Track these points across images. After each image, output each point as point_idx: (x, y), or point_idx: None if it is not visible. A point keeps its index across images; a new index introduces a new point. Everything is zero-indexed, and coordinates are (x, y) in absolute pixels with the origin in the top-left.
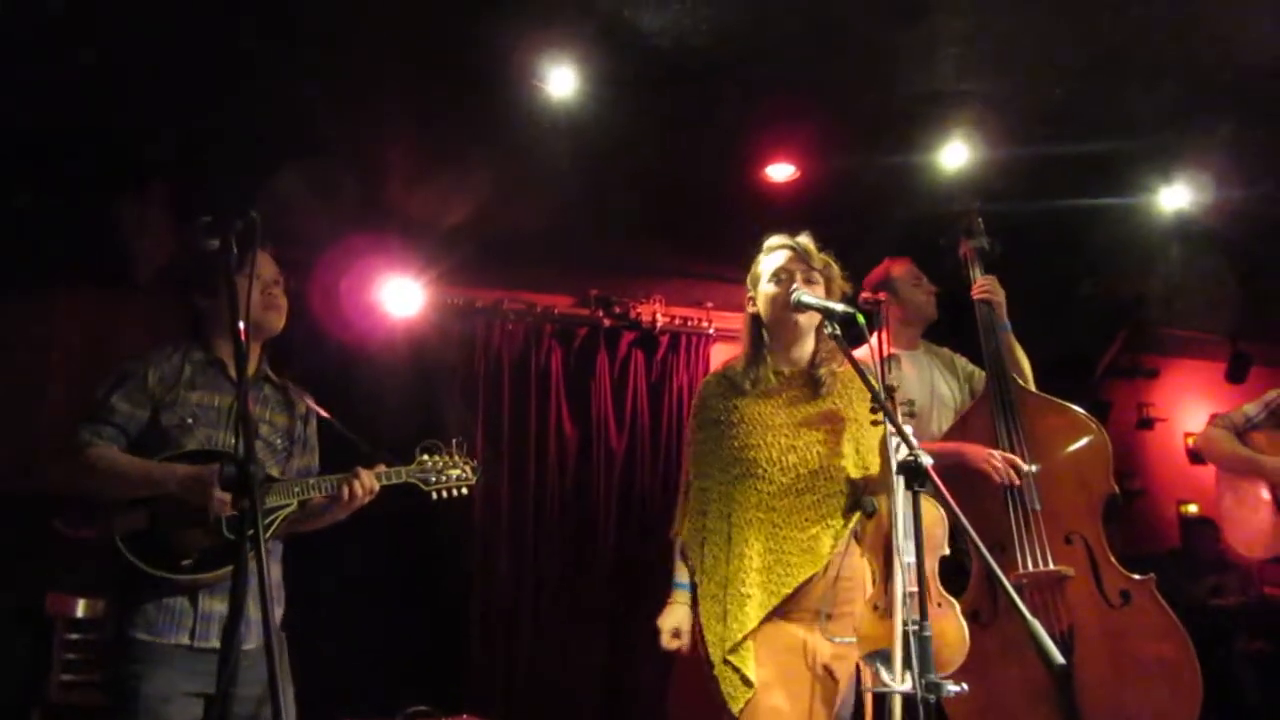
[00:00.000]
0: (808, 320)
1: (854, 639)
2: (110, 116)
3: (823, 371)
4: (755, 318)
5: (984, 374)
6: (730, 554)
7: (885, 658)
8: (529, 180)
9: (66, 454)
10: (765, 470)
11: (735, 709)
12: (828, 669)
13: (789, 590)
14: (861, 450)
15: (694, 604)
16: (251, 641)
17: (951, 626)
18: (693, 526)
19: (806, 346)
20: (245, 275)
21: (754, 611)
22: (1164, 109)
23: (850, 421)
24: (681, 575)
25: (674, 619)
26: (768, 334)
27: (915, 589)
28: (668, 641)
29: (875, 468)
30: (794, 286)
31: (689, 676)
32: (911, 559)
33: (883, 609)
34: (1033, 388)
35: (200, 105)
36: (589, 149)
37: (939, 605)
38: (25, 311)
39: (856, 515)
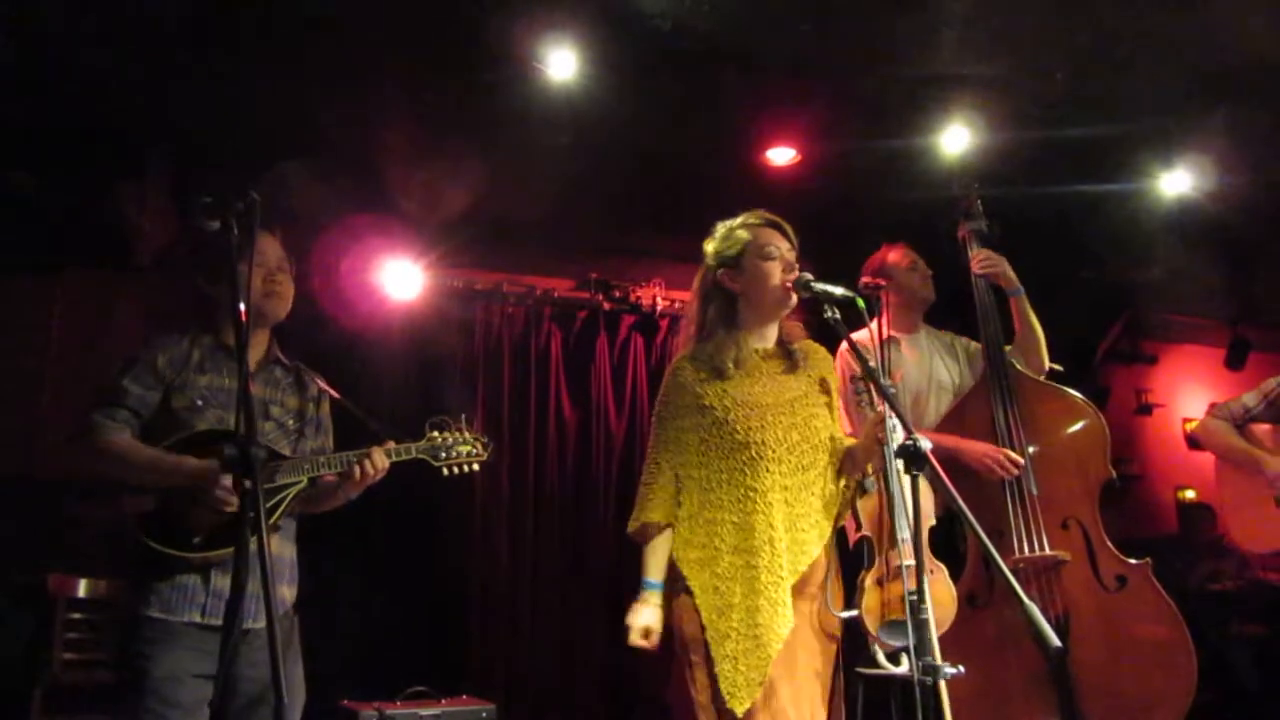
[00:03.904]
0: (793, 302)
1: (857, 612)
2: (111, 98)
3: (795, 346)
4: (730, 294)
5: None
6: (755, 541)
7: (896, 628)
8: (529, 163)
9: (79, 438)
10: (775, 451)
11: (740, 709)
12: (832, 637)
13: (804, 568)
14: (834, 421)
15: (674, 596)
16: (259, 620)
17: (942, 589)
18: (686, 517)
19: (778, 326)
20: (247, 261)
21: (789, 597)
22: (1165, 94)
23: (825, 393)
24: (653, 573)
25: (645, 618)
26: (746, 311)
27: (912, 562)
28: (636, 639)
29: (845, 439)
30: (799, 271)
31: None
32: (907, 535)
33: (886, 581)
34: (1046, 357)
35: (200, 87)
36: (589, 131)
37: (931, 571)
38: (25, 292)
39: (843, 486)
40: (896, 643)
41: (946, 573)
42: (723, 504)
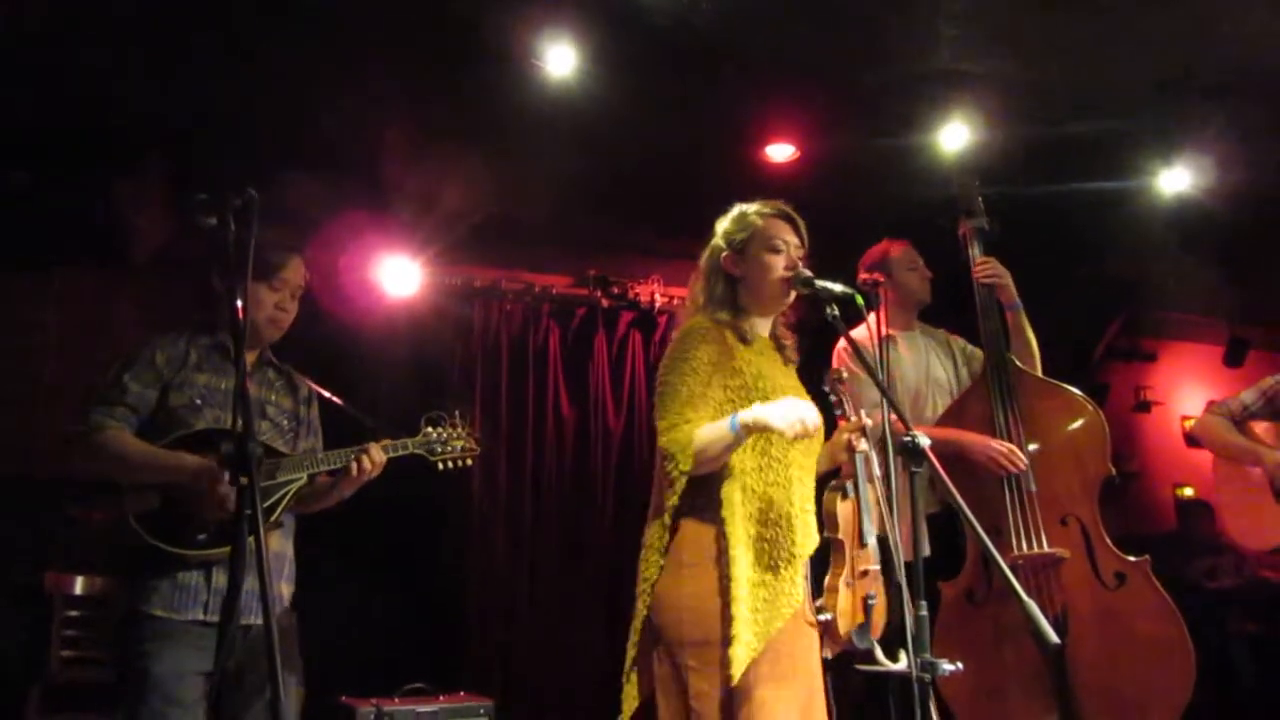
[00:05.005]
0: (792, 296)
1: (831, 616)
2: (107, 96)
3: (787, 340)
4: (732, 278)
5: (982, 353)
6: (774, 514)
7: (862, 630)
8: (527, 159)
9: (79, 437)
10: None
11: (737, 675)
12: (811, 622)
13: (811, 551)
14: None
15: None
16: (259, 616)
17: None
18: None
19: (778, 317)
20: (265, 283)
21: (798, 580)
22: (1164, 91)
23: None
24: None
25: (794, 402)
26: (745, 298)
27: (875, 566)
28: (814, 420)
29: None
30: (801, 268)
31: None
32: (873, 539)
33: (853, 584)
34: (1039, 368)
35: (198, 84)
36: (587, 128)
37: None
38: (22, 290)
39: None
40: (864, 645)
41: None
42: (744, 469)
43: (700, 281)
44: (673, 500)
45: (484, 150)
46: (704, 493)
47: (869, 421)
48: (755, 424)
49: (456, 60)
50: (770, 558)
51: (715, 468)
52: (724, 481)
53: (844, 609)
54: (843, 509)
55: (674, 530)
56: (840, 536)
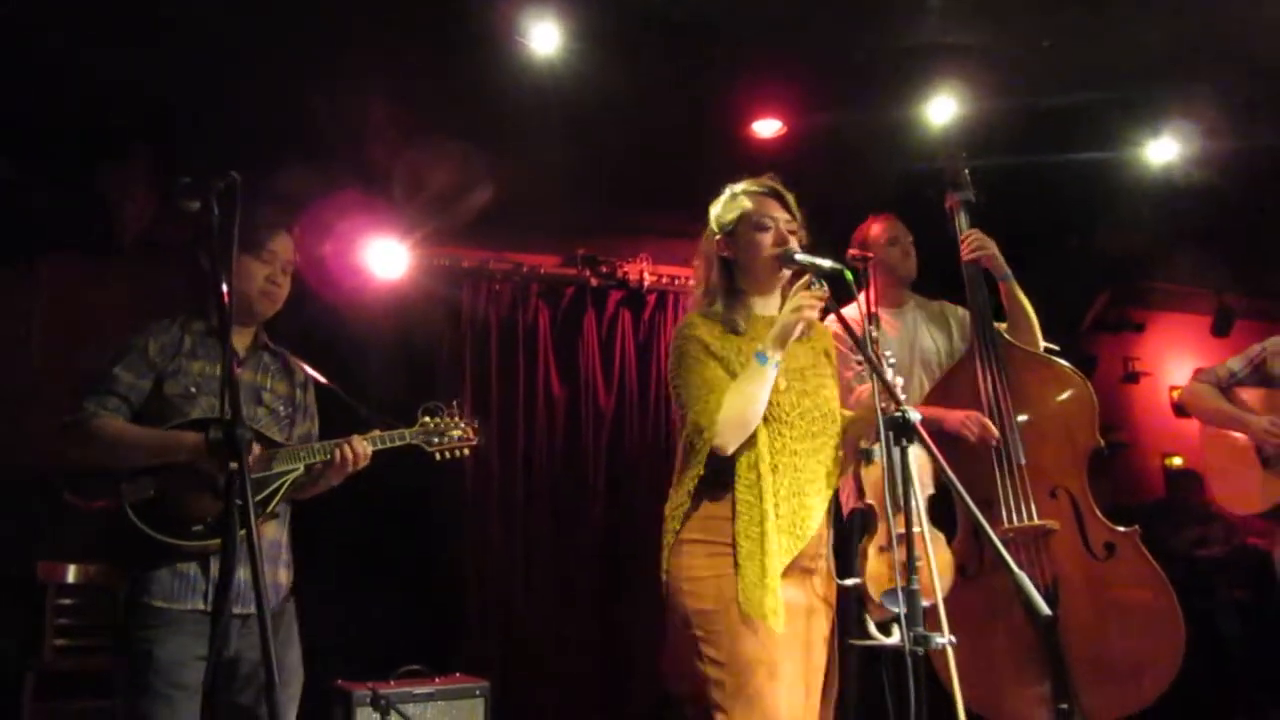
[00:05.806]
0: (788, 273)
1: (860, 580)
2: (91, 82)
3: None
4: (727, 260)
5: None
6: (777, 496)
7: (896, 595)
8: (513, 138)
9: (72, 425)
10: (788, 415)
11: (779, 626)
12: (826, 601)
13: (811, 533)
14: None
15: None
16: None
17: (941, 555)
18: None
19: (779, 294)
20: (254, 256)
21: (781, 560)
22: (1151, 62)
23: (830, 366)
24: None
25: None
26: (743, 279)
27: (918, 529)
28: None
29: (847, 412)
30: (789, 243)
31: None
32: (912, 503)
33: (887, 549)
34: (1039, 337)
35: (179, 66)
36: (573, 106)
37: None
38: (7, 277)
39: (841, 456)
40: (900, 609)
41: (945, 540)
42: (755, 453)
43: (700, 268)
44: (696, 471)
45: (469, 129)
46: (718, 472)
47: (900, 379)
48: (781, 338)
49: (441, 39)
50: (761, 535)
51: (755, 419)
52: (737, 462)
53: (873, 574)
54: (870, 474)
55: (692, 506)
56: (870, 501)
